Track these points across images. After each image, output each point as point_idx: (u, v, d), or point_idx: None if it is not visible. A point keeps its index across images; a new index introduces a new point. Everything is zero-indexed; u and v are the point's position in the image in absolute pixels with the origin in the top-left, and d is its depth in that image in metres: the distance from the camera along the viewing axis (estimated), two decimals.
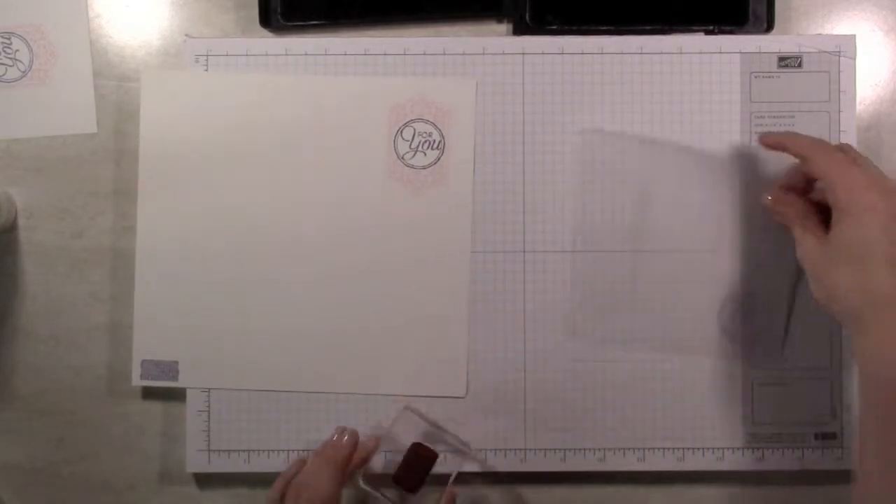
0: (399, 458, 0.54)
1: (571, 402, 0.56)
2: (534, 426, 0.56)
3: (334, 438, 0.52)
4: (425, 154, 0.56)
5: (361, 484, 0.54)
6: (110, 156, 0.57)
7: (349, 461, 0.52)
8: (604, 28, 0.56)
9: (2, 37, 0.57)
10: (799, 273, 0.55)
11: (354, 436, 0.52)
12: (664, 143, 0.56)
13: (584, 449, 0.56)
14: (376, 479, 0.55)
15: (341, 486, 0.51)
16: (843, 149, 0.49)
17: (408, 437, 0.55)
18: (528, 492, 0.58)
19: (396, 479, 0.53)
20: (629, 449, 0.56)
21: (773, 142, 0.51)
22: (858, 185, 0.46)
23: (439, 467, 0.53)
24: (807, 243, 0.49)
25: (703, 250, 0.56)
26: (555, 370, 0.56)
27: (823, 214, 0.49)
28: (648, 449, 0.56)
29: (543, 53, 0.56)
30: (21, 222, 0.57)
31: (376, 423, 0.56)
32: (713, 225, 0.56)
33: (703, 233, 0.56)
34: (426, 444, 0.54)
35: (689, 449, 0.56)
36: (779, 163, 0.56)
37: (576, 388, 0.56)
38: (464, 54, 0.56)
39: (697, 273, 0.56)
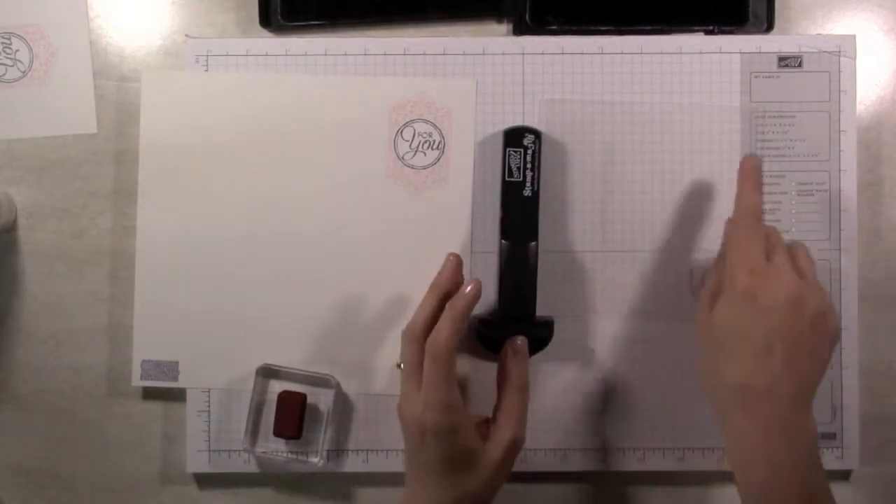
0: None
1: (571, 403, 0.56)
2: (534, 426, 0.56)
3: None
4: (425, 154, 0.56)
5: (256, 453, 0.56)
6: (110, 156, 0.57)
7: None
8: (604, 28, 0.56)
9: (2, 37, 0.57)
10: None
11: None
12: (665, 142, 0.56)
13: (585, 449, 0.56)
14: (264, 444, 0.56)
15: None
16: (769, 232, 0.48)
17: None
18: (528, 492, 0.58)
19: (277, 433, 0.55)
20: (629, 449, 0.56)
21: (741, 169, 0.49)
22: (745, 265, 0.46)
23: None
24: (699, 313, 0.49)
25: (711, 250, 0.56)
26: (555, 370, 0.56)
27: None
28: (648, 449, 0.56)
29: (543, 53, 0.56)
30: (21, 222, 0.57)
31: None
32: (717, 225, 0.56)
33: (709, 235, 0.56)
34: (290, 389, 0.55)
35: (689, 449, 0.56)
36: (780, 165, 0.56)
37: (576, 388, 0.56)
38: (464, 54, 0.56)
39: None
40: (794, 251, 0.48)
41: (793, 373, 0.45)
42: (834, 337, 0.47)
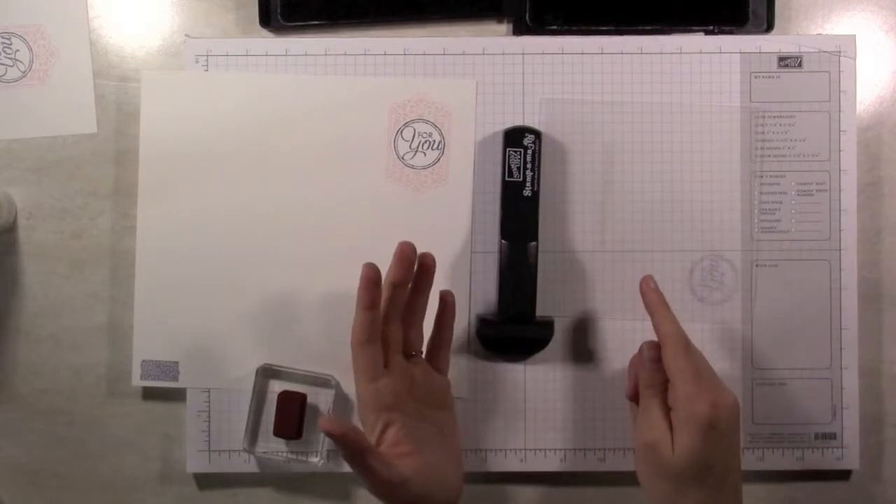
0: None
1: (571, 403, 0.56)
2: (534, 426, 0.56)
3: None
4: (425, 154, 0.56)
5: (256, 453, 0.56)
6: (110, 156, 0.57)
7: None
8: (604, 28, 0.56)
9: (2, 37, 0.57)
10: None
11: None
12: (665, 142, 0.56)
13: (584, 449, 0.56)
14: (264, 444, 0.56)
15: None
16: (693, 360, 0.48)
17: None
18: (528, 492, 0.58)
19: (277, 433, 0.55)
20: (629, 449, 0.56)
21: (647, 301, 0.50)
22: (704, 397, 0.46)
23: None
24: (649, 442, 0.48)
25: (711, 251, 0.56)
26: (555, 370, 0.56)
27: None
28: None
29: (543, 53, 0.56)
30: (21, 222, 0.57)
31: None
32: (717, 225, 0.56)
33: (709, 235, 0.56)
34: (290, 389, 0.55)
35: None
36: (780, 165, 0.56)
37: (576, 388, 0.56)
38: (464, 54, 0.56)
39: (709, 273, 0.56)
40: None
41: (738, 483, 0.48)
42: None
